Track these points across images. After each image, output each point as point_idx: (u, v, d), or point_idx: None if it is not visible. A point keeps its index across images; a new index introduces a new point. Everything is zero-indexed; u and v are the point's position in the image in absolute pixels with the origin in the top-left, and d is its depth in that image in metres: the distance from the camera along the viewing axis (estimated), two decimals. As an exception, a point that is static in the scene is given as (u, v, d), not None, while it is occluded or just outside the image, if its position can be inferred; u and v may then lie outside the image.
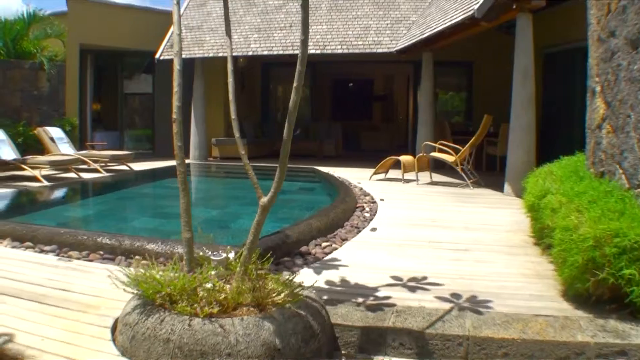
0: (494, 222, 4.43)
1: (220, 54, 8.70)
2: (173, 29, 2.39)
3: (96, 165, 7.43)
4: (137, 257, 2.98)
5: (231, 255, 2.34)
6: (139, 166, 8.23)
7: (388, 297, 2.55)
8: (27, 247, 3.42)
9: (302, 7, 2.09)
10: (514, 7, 5.70)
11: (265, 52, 8.42)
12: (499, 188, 6.12)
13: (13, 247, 3.45)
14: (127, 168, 7.95)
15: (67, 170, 7.10)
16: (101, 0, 9.51)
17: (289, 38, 8.48)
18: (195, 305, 1.92)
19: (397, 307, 2.39)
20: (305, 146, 9.82)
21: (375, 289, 2.67)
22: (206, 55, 8.82)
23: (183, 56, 9.84)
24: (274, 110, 11.34)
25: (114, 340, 2.04)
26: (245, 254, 2.15)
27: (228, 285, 2.09)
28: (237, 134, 2.30)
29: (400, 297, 2.56)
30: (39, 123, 8.56)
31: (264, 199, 2.20)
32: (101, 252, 3.19)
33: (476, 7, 5.41)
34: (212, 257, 2.25)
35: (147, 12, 9.98)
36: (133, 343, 1.88)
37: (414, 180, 6.72)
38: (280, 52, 8.30)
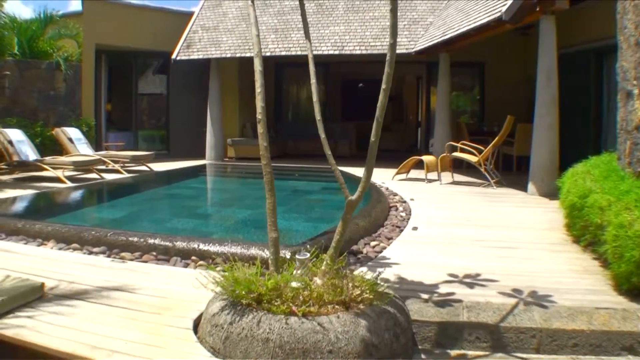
0: (527, 220, 4.51)
1: (238, 55, 8.71)
2: (252, 30, 2.40)
3: (117, 166, 7.42)
4: (217, 259, 2.92)
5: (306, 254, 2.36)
6: (156, 167, 8.21)
7: (452, 294, 2.62)
8: (75, 249, 3.41)
9: (391, 11, 2.12)
10: (537, 9, 5.76)
11: (284, 53, 8.43)
12: (521, 187, 6.18)
13: (59, 248, 3.45)
14: (147, 169, 7.94)
15: (89, 171, 7.08)
16: (116, 1, 9.49)
17: (306, 39, 8.49)
18: (288, 303, 1.94)
19: (465, 303, 2.47)
20: (320, 146, 9.84)
21: (435, 286, 2.73)
22: (224, 55, 8.82)
23: (200, 56, 9.92)
24: (286, 110, 11.34)
25: (200, 341, 2.05)
26: (332, 252, 2.18)
27: (314, 284, 2.11)
28: (322, 135, 2.33)
29: (463, 293, 2.63)
30: (55, 124, 8.52)
31: (352, 197, 2.23)
32: (154, 253, 3.19)
33: (504, 9, 5.46)
34: (296, 257, 2.27)
35: (162, 13, 9.97)
36: (227, 344, 1.89)
37: (436, 180, 6.77)
38: (299, 53, 8.32)
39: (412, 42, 8.10)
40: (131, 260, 3.15)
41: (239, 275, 2.08)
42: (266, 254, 2.99)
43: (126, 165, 7.85)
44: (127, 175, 7.30)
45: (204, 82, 9.74)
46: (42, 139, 7.98)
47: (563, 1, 5.68)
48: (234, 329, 1.89)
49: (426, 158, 6.83)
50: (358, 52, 8.12)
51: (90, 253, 3.32)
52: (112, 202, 5.72)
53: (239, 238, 3.55)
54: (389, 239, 3.77)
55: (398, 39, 8.96)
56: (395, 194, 5.63)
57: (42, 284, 2.54)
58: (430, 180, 6.76)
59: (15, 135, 7.28)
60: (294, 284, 2.05)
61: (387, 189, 6.00)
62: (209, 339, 1.98)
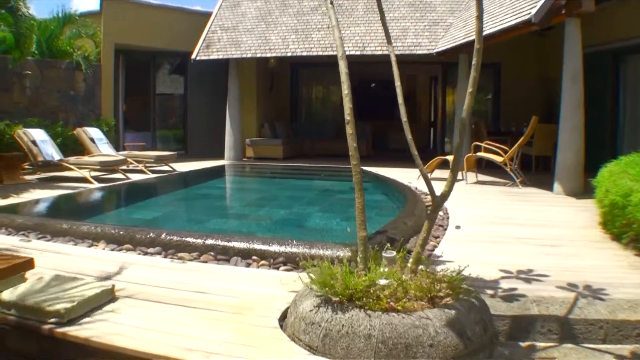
0: (561, 219, 4.61)
1: (258, 55, 8.73)
2: (334, 32, 2.43)
3: (140, 166, 7.43)
4: (309, 259, 2.91)
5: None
6: (177, 167, 8.22)
7: (513, 289, 2.69)
8: (128, 250, 3.42)
9: (477, 18, 2.17)
10: (563, 12, 5.82)
11: (305, 53, 8.46)
12: (546, 187, 6.26)
13: (111, 249, 3.45)
14: (170, 169, 7.95)
15: (114, 171, 7.09)
16: (135, 0, 9.49)
17: (327, 39, 8.53)
18: (386, 300, 1.98)
19: (531, 297, 2.57)
20: (338, 146, 9.88)
21: (495, 282, 2.80)
22: (244, 55, 8.84)
23: (220, 56, 9.93)
24: (302, 111, 11.37)
25: (292, 339, 2.08)
26: (418, 250, 2.23)
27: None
28: (408, 136, 2.36)
29: (523, 288, 2.70)
30: (75, 124, 8.52)
31: (438, 196, 2.29)
32: (212, 253, 3.22)
33: (533, 11, 5.51)
34: (383, 254, 2.32)
35: (179, 12, 9.98)
36: (326, 341, 1.92)
37: (461, 180, 6.83)
38: (320, 53, 8.35)
39: (432, 42, 8.15)
40: (190, 260, 3.17)
41: (335, 273, 2.12)
42: (329, 252, 3.05)
43: (149, 165, 7.86)
44: (151, 175, 7.31)
45: (220, 82, 9.76)
46: (63, 139, 7.98)
47: (589, 4, 5.76)
48: (332, 326, 1.92)
49: (451, 158, 6.88)
50: (379, 52, 8.16)
51: (145, 254, 3.32)
52: (144, 202, 5.72)
53: (291, 238, 3.55)
54: (436, 237, 3.82)
55: (419, 40, 9.04)
56: (426, 194, 5.68)
57: (113, 286, 2.52)
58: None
59: (39, 135, 7.28)
60: (381, 282, 2.10)
61: (416, 188, 6.05)
62: (304, 337, 2.01)
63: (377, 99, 12.85)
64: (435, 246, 3.55)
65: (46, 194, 5.75)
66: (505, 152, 6.59)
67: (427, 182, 2.33)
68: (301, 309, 2.11)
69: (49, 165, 6.94)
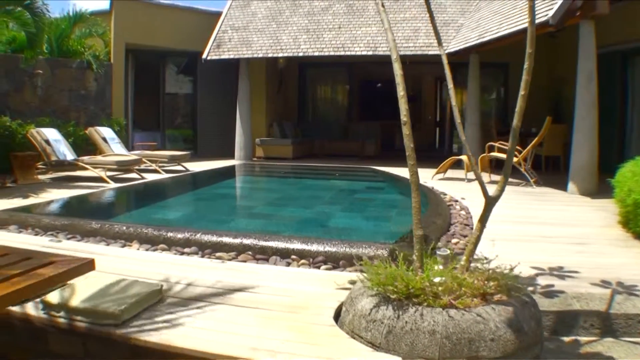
0: (581, 218, 4.71)
1: (270, 55, 8.75)
2: (388, 35, 2.46)
3: (154, 166, 7.42)
4: (363, 258, 2.93)
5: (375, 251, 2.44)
6: (188, 167, 8.22)
7: (550, 285, 2.78)
8: (163, 250, 3.43)
9: (530, 23, 2.21)
10: (578, 14, 5.91)
11: (317, 53, 8.49)
12: (559, 186, 6.35)
13: (146, 249, 3.45)
14: (183, 168, 7.95)
15: (129, 171, 7.07)
16: (146, 0, 9.47)
17: (339, 39, 8.56)
18: (445, 297, 2.03)
19: (570, 294, 2.66)
20: (347, 146, 9.95)
21: (532, 279, 2.89)
22: (255, 55, 8.85)
23: (231, 56, 9.95)
24: (309, 111, 11.40)
25: (351, 337, 2.11)
26: (471, 248, 2.28)
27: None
28: (462, 137, 2.40)
29: (560, 284, 2.78)
30: (86, 123, 8.50)
31: (491, 195, 2.33)
32: (250, 253, 3.25)
33: (550, 13, 5.58)
34: (438, 253, 2.36)
35: (190, 12, 9.97)
36: (390, 338, 1.96)
37: (475, 180, 6.89)
38: (332, 53, 8.39)
39: (444, 43, 8.20)
40: (229, 260, 3.19)
41: (394, 272, 2.16)
42: (368, 251, 3.08)
43: (162, 164, 7.85)
44: (165, 175, 7.31)
45: (229, 82, 9.76)
46: (74, 139, 7.95)
47: (603, 6, 5.84)
48: (396, 323, 1.96)
49: (466, 158, 6.95)
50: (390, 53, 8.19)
51: (182, 254, 3.34)
52: (163, 202, 5.72)
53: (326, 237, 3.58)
54: (464, 236, 3.86)
55: (430, 41, 9.14)
56: (444, 193, 5.74)
57: (161, 287, 2.51)
58: (469, 180, 6.89)
59: (52, 134, 7.25)
60: (436, 279, 2.14)
61: (432, 188, 6.11)
62: (366, 334, 2.05)
63: (382, 99, 12.91)
64: (466, 245, 3.60)
65: (65, 194, 5.72)
66: (519, 152, 6.66)
67: (481, 183, 2.36)
68: (360, 306, 2.15)
69: (63, 164, 6.91)
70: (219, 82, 10.00)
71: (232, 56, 8.94)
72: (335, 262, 3.09)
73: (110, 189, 5.96)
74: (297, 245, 3.20)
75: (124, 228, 3.65)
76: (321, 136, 10.43)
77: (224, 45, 9.10)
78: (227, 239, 3.34)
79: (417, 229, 2.36)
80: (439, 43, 2.61)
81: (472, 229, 4.15)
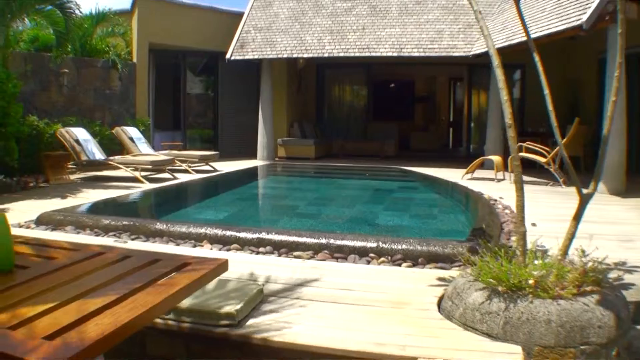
0: (620, 216, 4.84)
1: (294, 55, 8.79)
2: (488, 42, 2.54)
3: (185, 166, 7.42)
4: (477, 256, 2.95)
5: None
6: (215, 167, 8.23)
7: (620, 279, 2.84)
8: (236, 250, 3.45)
9: (620, 35, 2.31)
10: (607, 18, 6.06)
11: (342, 54, 8.56)
12: (586, 186, 6.48)
13: (218, 249, 3.48)
14: (211, 168, 7.96)
15: (161, 171, 7.07)
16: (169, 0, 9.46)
17: (363, 40, 8.64)
18: (553, 288, 2.14)
19: None
20: (367, 146, 10.04)
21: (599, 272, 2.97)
22: (280, 56, 8.89)
23: (255, 56, 10.00)
24: (328, 111, 11.46)
25: (466, 329, 2.19)
26: (566, 243, 2.39)
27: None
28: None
29: (628, 278, 2.87)
30: (111, 123, 8.47)
31: (586, 192, 2.43)
32: (326, 251, 3.30)
33: (584, 17, 5.72)
34: (537, 248, 2.46)
35: (211, 12, 9.97)
36: (507, 328, 2.07)
37: (502, 180, 7.03)
38: (357, 54, 8.46)
39: (468, 45, 8.33)
40: (308, 259, 3.24)
41: (504, 266, 2.26)
42: (446, 249, 3.17)
43: (192, 164, 7.85)
44: (197, 175, 7.32)
45: (250, 82, 9.78)
46: (100, 138, 7.92)
47: (632, 11, 6.00)
48: (512, 314, 2.08)
49: (495, 158, 7.08)
50: (416, 54, 8.31)
51: (257, 253, 3.37)
52: (204, 202, 5.72)
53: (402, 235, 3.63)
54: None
55: (455, 42, 9.28)
56: (481, 193, 5.84)
57: (262, 286, 2.52)
58: (499, 180, 7.01)
59: (81, 134, 7.23)
60: (535, 273, 2.25)
61: (466, 187, 6.22)
62: (481, 326, 2.14)
63: (395, 100, 13.04)
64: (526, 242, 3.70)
65: (102, 194, 5.69)
66: (548, 152, 6.81)
67: (574, 177, 2.46)
68: (471, 300, 2.23)
69: (94, 164, 6.90)
70: (240, 82, 10.02)
71: (256, 56, 8.97)
72: (414, 259, 3.16)
73: (153, 189, 5.95)
74: (374, 244, 3.26)
75: (193, 229, 3.63)
76: (340, 136, 10.51)
77: (248, 45, 9.12)
78: (303, 239, 3.38)
79: (520, 226, 2.45)
80: (527, 35, 2.69)
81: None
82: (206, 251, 3.42)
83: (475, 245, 3.19)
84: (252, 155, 9.59)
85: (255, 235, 3.47)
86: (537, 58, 2.57)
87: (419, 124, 13.32)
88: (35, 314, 1.32)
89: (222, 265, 1.95)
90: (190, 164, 7.64)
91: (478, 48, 8.16)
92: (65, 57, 7.80)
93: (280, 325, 2.18)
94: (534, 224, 4.39)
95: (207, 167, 8.00)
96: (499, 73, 2.49)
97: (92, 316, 1.34)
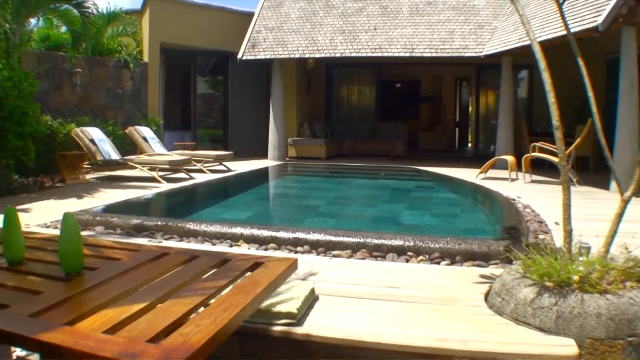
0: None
1: (306, 55, 8.82)
2: (533, 45, 2.59)
3: (200, 165, 7.44)
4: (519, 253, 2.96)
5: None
6: (227, 167, 8.24)
7: None
8: (274, 249, 3.45)
9: None
10: (620, 20, 6.16)
11: (354, 54, 8.61)
12: (600, 185, 6.59)
13: (256, 249, 3.49)
14: (225, 168, 7.97)
15: (177, 171, 7.08)
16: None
17: (375, 40, 8.69)
18: (599, 283, 2.21)
19: None
20: (378, 146, 10.10)
21: None
22: (291, 56, 8.92)
23: (266, 56, 10.07)
24: (337, 111, 11.51)
25: (518, 323, 2.26)
26: (608, 241, 2.47)
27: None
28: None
29: None
30: (122, 122, 8.46)
31: (626, 194, 2.49)
32: (364, 250, 3.35)
33: (600, 20, 5.81)
34: (581, 245, 2.53)
35: (222, 12, 9.98)
36: (559, 322, 2.15)
37: (516, 179, 7.12)
38: (369, 54, 8.51)
39: (479, 45, 8.41)
40: (347, 257, 3.28)
41: (553, 263, 2.33)
42: (482, 247, 3.23)
43: (207, 164, 7.85)
44: (213, 175, 7.33)
45: (260, 81, 9.80)
46: (113, 138, 7.91)
47: (646, 12, 6.11)
48: (564, 308, 2.15)
49: (509, 158, 7.16)
50: (428, 54, 8.38)
51: (295, 252, 3.40)
52: (225, 202, 5.72)
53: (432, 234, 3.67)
54: (546, 232, 4.04)
55: (466, 43, 9.37)
56: (499, 193, 5.92)
57: (314, 285, 2.53)
58: (512, 179, 7.10)
59: (96, 133, 7.23)
60: (580, 268, 2.33)
61: (484, 187, 6.29)
62: (534, 321, 2.22)
63: (402, 99, 13.11)
64: (553, 239, 3.77)
65: (120, 194, 5.68)
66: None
67: (615, 175, 2.53)
68: (522, 296, 2.30)
69: (110, 164, 6.89)
70: (249, 82, 10.04)
71: (267, 56, 8.99)
72: (451, 257, 3.22)
73: (177, 189, 5.95)
74: (411, 242, 3.31)
75: (229, 228, 3.61)
76: (348, 136, 10.56)
77: (259, 45, 9.14)
78: (341, 238, 3.41)
79: (567, 224, 2.52)
80: (566, 28, 2.75)
81: (546, 225, 4.33)
82: (244, 250, 3.45)
83: (511, 244, 3.25)
84: (262, 155, 9.62)
85: (293, 235, 3.50)
86: (581, 63, 2.63)
87: (425, 123, 13.41)
88: (127, 317, 1.31)
89: (293, 265, 1.96)
90: (204, 164, 7.65)
91: (490, 48, 8.24)
92: (78, 57, 7.77)
93: (339, 322, 2.21)
94: (557, 223, 4.47)
95: (220, 167, 8.01)
96: (545, 76, 2.55)
97: (186, 317, 1.33)
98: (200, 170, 7.41)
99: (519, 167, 7.24)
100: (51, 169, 6.85)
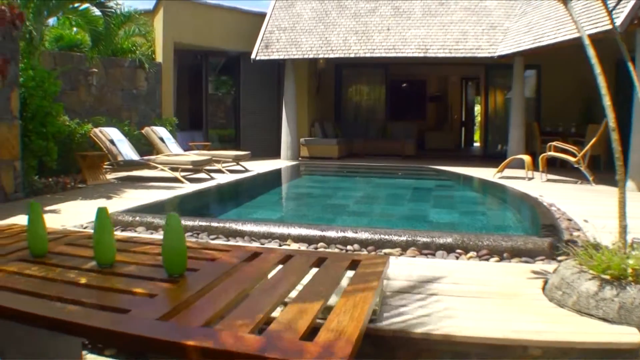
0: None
1: (320, 55, 8.88)
2: (588, 50, 2.68)
3: (219, 165, 7.46)
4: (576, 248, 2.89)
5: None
6: (240, 166, 8.25)
7: None
8: (324, 248, 3.49)
9: None
10: (635, 22, 6.31)
11: (368, 55, 8.68)
12: (614, 184, 6.73)
13: (306, 248, 3.53)
14: (242, 168, 8.00)
15: (198, 171, 7.10)
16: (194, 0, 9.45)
17: (389, 41, 8.77)
18: None
19: None
20: (388, 146, 10.19)
21: None
22: (305, 56, 8.97)
23: (280, 56, 10.15)
24: (346, 111, 11.58)
25: (581, 315, 2.35)
26: None
27: None
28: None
29: None
30: (138, 123, 8.44)
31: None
32: (414, 248, 3.42)
33: (618, 22, 5.95)
34: (634, 240, 2.63)
35: (234, 12, 10.00)
36: (622, 312, 2.25)
37: (532, 178, 7.26)
38: (383, 55, 8.59)
39: (492, 46, 8.53)
40: (399, 256, 3.35)
41: (613, 258, 2.43)
42: (528, 244, 3.32)
43: (226, 164, 7.86)
44: (233, 175, 7.35)
45: (271, 82, 9.83)
46: (129, 138, 7.89)
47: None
48: (625, 300, 2.26)
49: (525, 157, 7.29)
50: (442, 55, 8.48)
51: (345, 251, 3.46)
52: (251, 202, 5.73)
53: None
54: (578, 229, 4.15)
55: (479, 43, 9.48)
56: (522, 192, 6.03)
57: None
58: (529, 179, 7.23)
59: (115, 134, 7.22)
60: (630, 261, 2.44)
61: (506, 186, 6.41)
62: (597, 312, 2.32)
63: (410, 99, 13.22)
64: (586, 237, 3.87)
65: (146, 194, 5.64)
66: (578, 152, 7.05)
67: None
68: (584, 289, 2.40)
69: (131, 165, 6.89)
70: (261, 82, 10.07)
71: (281, 56, 9.04)
72: (499, 254, 3.31)
73: (202, 189, 5.96)
74: (459, 240, 3.39)
75: (276, 228, 3.63)
76: (358, 136, 10.64)
77: (273, 45, 9.18)
78: (390, 236, 3.47)
79: (622, 220, 2.63)
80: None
81: (576, 223, 4.44)
82: (295, 249, 3.50)
83: (554, 241, 3.35)
84: (273, 155, 9.66)
85: (341, 234, 3.56)
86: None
87: (432, 123, 13.55)
88: (262, 317, 1.31)
89: (388, 262, 2.01)
90: (222, 164, 7.68)
91: (503, 49, 8.36)
92: (96, 57, 7.74)
93: (413, 318, 2.26)
94: (586, 221, 4.58)
95: (237, 167, 8.04)
96: (601, 80, 2.64)
97: (317, 315, 1.34)
98: (219, 171, 7.43)
99: (535, 167, 7.37)
100: (69, 170, 6.82)
